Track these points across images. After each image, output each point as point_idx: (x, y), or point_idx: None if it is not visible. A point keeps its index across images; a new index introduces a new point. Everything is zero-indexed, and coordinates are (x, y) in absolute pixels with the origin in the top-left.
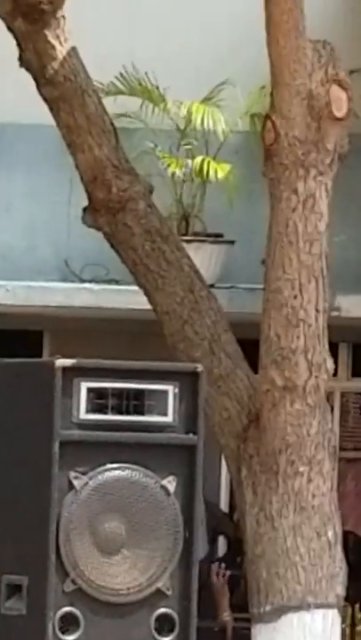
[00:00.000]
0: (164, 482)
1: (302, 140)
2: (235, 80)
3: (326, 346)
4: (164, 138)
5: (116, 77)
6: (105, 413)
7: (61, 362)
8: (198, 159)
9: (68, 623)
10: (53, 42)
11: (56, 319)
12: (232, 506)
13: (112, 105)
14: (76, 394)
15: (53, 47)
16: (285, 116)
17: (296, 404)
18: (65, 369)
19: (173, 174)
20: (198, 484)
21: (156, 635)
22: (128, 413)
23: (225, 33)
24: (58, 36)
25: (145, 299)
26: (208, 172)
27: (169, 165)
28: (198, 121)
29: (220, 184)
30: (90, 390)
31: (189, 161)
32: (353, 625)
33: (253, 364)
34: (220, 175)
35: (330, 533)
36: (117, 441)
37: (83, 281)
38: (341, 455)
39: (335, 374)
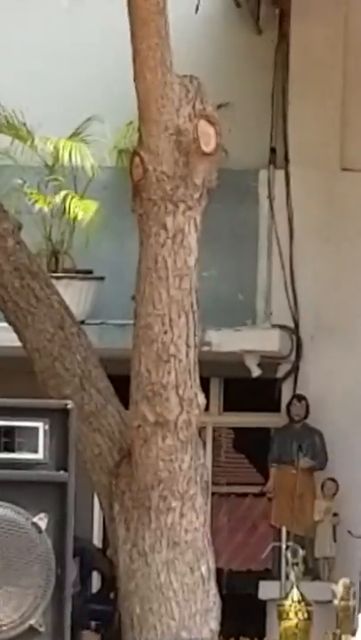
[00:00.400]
0: (36, 519)
1: (170, 175)
2: (103, 116)
3: (197, 381)
4: (32, 174)
5: None
6: None
7: None
8: (61, 195)
9: None
10: None
11: None
12: (105, 542)
13: None
14: None
15: None
16: (153, 151)
17: (168, 440)
18: None
19: (41, 211)
20: (70, 521)
21: None
22: None
23: (93, 69)
24: None
25: (15, 335)
26: (69, 209)
27: (36, 202)
28: (66, 157)
29: (89, 220)
30: None
31: (57, 198)
32: None
33: (124, 399)
34: (82, 213)
35: (203, 568)
36: None
37: None
38: (214, 490)
39: (207, 409)
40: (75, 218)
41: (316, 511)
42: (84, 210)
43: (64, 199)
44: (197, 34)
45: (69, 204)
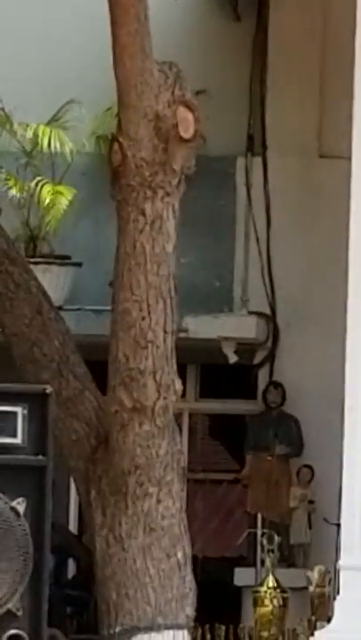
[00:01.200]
0: (14, 503)
1: (149, 161)
2: (81, 102)
3: (175, 367)
4: (11, 160)
5: None
6: None
7: None
8: (34, 182)
9: None
10: None
11: None
12: (81, 528)
13: None
14: None
15: None
16: (132, 137)
17: (145, 426)
18: None
19: (18, 197)
20: (48, 506)
21: None
22: None
23: (71, 54)
24: None
25: None
26: (41, 195)
27: (10, 188)
28: (45, 143)
29: (65, 206)
30: None
31: (32, 184)
32: None
33: (102, 385)
34: (56, 199)
35: (179, 554)
36: None
37: None
38: (189, 476)
39: (183, 395)
40: (49, 204)
41: (292, 498)
42: (57, 196)
43: (37, 185)
44: (176, 20)
45: (40, 189)
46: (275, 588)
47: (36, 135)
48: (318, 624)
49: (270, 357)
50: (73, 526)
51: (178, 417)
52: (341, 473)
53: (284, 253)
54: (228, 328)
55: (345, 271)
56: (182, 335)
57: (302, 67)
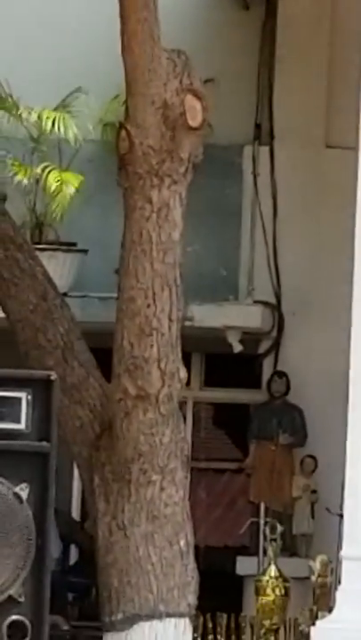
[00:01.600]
0: (17, 489)
1: (157, 149)
2: (89, 89)
3: (179, 355)
4: (18, 146)
5: None
6: None
7: None
8: (40, 168)
9: None
10: None
11: None
12: (84, 514)
13: None
14: None
15: None
16: (140, 125)
17: (149, 413)
18: None
19: (24, 182)
20: (51, 492)
21: None
22: None
23: (80, 41)
24: None
25: None
26: (46, 181)
27: (16, 174)
28: (49, 126)
29: (72, 193)
30: None
31: (39, 170)
32: (204, 634)
33: (106, 372)
34: (62, 185)
35: (182, 542)
36: None
37: None
38: (193, 465)
39: (188, 384)
40: (55, 190)
41: (295, 488)
42: (64, 182)
43: (43, 171)
44: (185, 8)
45: (47, 175)
46: (277, 578)
47: (40, 119)
48: (320, 614)
49: (275, 347)
50: (76, 513)
51: (182, 405)
52: (345, 463)
53: (290, 243)
54: (234, 317)
55: (351, 261)
56: (187, 324)
57: (311, 56)
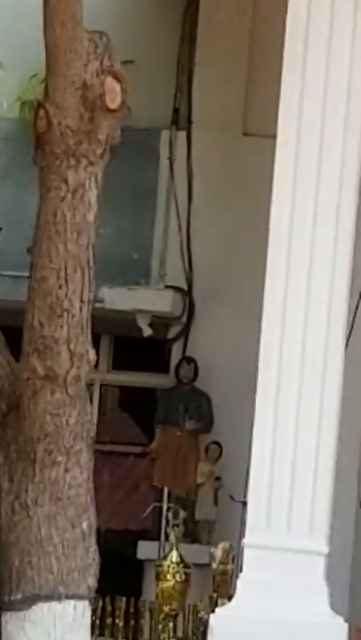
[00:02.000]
0: None
1: (75, 129)
2: (5, 66)
3: (89, 337)
4: None
5: None
6: None
7: None
8: None
9: None
10: None
11: None
12: None
13: None
14: None
15: None
16: (59, 105)
17: (56, 394)
18: None
19: None
20: None
21: None
22: None
23: None
24: None
25: None
26: None
27: None
28: None
29: None
30: None
31: None
32: (103, 617)
33: (16, 351)
34: None
35: (85, 524)
36: None
37: None
38: (97, 447)
39: (96, 366)
40: None
41: (199, 474)
42: None
43: None
44: None
45: None
46: (178, 563)
47: None
48: (220, 601)
49: (185, 332)
50: None
51: (89, 387)
52: (250, 451)
53: (203, 229)
54: (144, 301)
55: (264, 249)
56: (98, 306)
57: (232, 42)
